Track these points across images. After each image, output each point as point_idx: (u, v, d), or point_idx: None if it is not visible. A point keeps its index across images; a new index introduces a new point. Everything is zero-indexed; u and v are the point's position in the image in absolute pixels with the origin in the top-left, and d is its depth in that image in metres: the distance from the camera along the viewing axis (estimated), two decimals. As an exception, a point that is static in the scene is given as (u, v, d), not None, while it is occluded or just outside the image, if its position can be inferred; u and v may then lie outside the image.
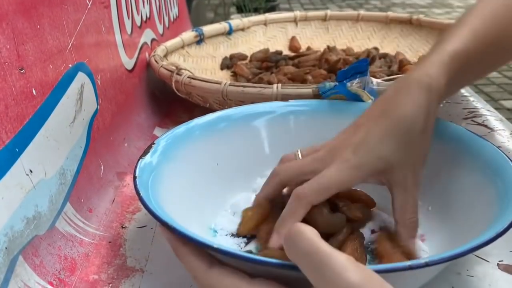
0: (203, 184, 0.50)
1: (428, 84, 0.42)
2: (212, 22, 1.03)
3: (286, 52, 1.03)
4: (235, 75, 0.90)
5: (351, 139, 0.42)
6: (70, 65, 0.50)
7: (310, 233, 0.28)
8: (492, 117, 0.71)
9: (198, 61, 0.94)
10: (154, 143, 0.47)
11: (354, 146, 0.41)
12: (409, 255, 0.41)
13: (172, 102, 0.81)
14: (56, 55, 0.47)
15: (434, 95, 0.42)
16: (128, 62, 0.70)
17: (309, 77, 0.82)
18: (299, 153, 0.46)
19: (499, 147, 0.52)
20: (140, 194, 0.39)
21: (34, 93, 0.43)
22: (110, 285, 0.43)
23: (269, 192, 0.45)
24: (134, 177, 0.41)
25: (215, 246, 0.33)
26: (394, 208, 0.42)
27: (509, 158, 0.43)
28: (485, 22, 0.47)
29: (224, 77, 0.92)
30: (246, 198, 0.52)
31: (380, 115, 0.42)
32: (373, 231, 0.46)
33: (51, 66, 0.46)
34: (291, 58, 0.95)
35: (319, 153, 0.43)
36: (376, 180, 0.43)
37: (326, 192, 0.40)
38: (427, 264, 0.31)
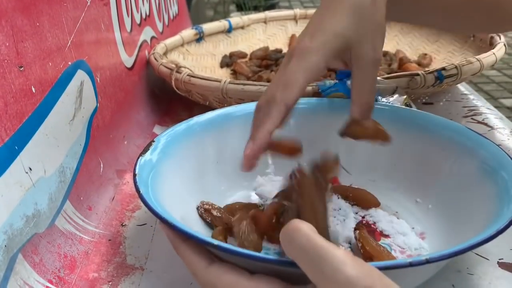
0: (203, 181, 0.50)
1: None
2: (211, 20, 1.03)
3: (286, 50, 1.02)
4: (235, 73, 0.90)
5: (307, 29, 0.42)
6: (70, 63, 0.50)
7: (307, 229, 0.28)
8: (492, 115, 0.71)
9: (198, 59, 0.94)
10: (154, 141, 0.47)
11: (309, 34, 0.41)
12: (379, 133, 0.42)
13: (172, 100, 0.80)
14: (55, 53, 0.47)
15: None
16: (127, 60, 0.70)
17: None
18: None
19: (499, 145, 0.52)
20: (140, 191, 0.39)
21: (34, 90, 0.43)
22: (110, 283, 0.43)
23: (276, 124, 0.42)
24: (134, 175, 0.41)
25: (215, 243, 0.33)
26: (352, 86, 0.42)
27: (509, 156, 0.43)
28: None
29: (223, 75, 0.92)
30: (246, 196, 0.52)
31: (328, 5, 0.42)
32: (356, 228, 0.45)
33: (50, 64, 0.46)
34: (291, 56, 0.95)
35: (284, 60, 0.43)
36: (340, 62, 0.42)
37: (296, 87, 0.40)
38: (427, 261, 0.31)
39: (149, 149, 0.45)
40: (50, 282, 0.40)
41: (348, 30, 0.40)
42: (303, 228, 0.28)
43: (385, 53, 0.92)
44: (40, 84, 0.44)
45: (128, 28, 0.72)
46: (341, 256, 0.26)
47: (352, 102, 0.42)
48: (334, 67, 0.43)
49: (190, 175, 0.48)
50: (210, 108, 0.57)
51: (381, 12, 0.42)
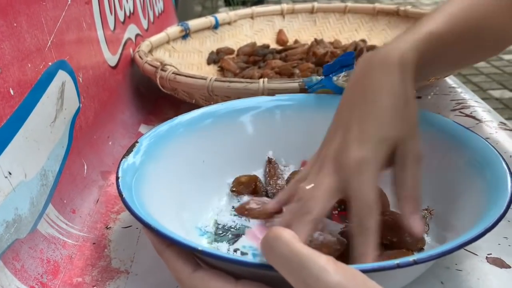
0: (189, 182, 0.49)
1: (399, 60, 0.41)
2: (200, 15, 1.02)
3: (273, 45, 1.02)
4: (222, 70, 0.90)
5: (347, 136, 0.40)
6: (50, 63, 0.49)
7: (287, 236, 0.27)
8: (480, 108, 0.71)
9: (184, 56, 0.93)
10: (137, 142, 0.46)
11: (355, 141, 0.39)
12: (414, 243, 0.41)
13: (158, 99, 0.79)
14: (34, 54, 0.46)
15: (408, 70, 0.41)
16: (111, 59, 0.69)
17: (297, 71, 0.81)
18: (309, 185, 0.40)
19: (487, 138, 0.52)
20: (122, 195, 0.38)
21: (12, 93, 0.41)
22: (94, 287, 0.42)
23: (304, 239, 0.37)
24: (117, 178, 0.41)
25: (199, 248, 0.32)
26: (396, 184, 0.41)
27: (497, 150, 0.43)
28: (463, 9, 0.46)
29: (211, 72, 0.91)
30: (234, 196, 0.51)
31: (362, 101, 0.41)
32: None
33: (29, 65, 0.45)
34: (279, 52, 0.94)
35: (325, 166, 0.40)
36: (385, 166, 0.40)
37: (371, 205, 0.37)
38: (415, 262, 0.31)
39: (132, 152, 0.45)
40: (33, 288, 0.39)
41: (391, 133, 0.39)
42: (284, 235, 0.27)
43: (373, 47, 0.91)
44: (18, 86, 0.43)
45: (112, 26, 0.71)
46: (323, 264, 0.26)
47: (400, 198, 0.41)
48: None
49: (176, 176, 0.48)
50: (197, 106, 0.56)
51: (414, 110, 0.42)
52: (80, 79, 0.56)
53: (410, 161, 0.40)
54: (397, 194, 0.41)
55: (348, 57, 0.54)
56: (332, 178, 0.39)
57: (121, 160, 0.43)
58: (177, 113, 0.53)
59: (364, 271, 0.28)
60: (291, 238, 0.27)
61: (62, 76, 0.51)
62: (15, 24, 0.43)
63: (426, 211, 0.43)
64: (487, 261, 0.43)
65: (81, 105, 0.55)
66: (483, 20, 0.47)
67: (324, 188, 0.38)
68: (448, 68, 0.52)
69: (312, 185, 0.39)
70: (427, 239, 0.43)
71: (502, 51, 0.51)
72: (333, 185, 0.38)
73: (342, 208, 0.49)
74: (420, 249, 0.42)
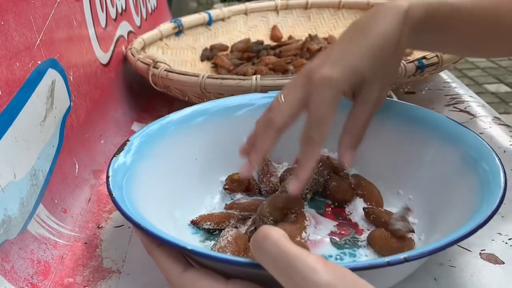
0: (182, 180, 0.48)
1: (405, 9, 0.42)
2: (195, 12, 1.01)
3: (267, 41, 1.01)
4: (216, 67, 0.89)
5: (327, 57, 0.42)
6: (39, 62, 0.48)
7: (276, 235, 0.27)
8: (474, 103, 0.70)
9: (178, 53, 0.92)
10: (128, 141, 0.46)
11: (329, 63, 0.41)
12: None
13: (151, 96, 0.79)
14: (23, 52, 0.46)
15: (408, 21, 0.42)
16: (103, 56, 0.69)
17: (291, 67, 0.80)
18: (281, 96, 0.42)
19: (481, 133, 0.52)
20: (112, 194, 0.38)
21: (0, 92, 0.41)
22: (86, 287, 0.41)
23: (268, 147, 0.42)
24: (107, 177, 0.40)
25: (189, 247, 0.32)
26: (348, 117, 0.43)
27: (490, 146, 0.43)
28: None
29: (204, 69, 0.91)
30: (227, 193, 0.51)
31: (356, 34, 0.42)
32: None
33: (18, 64, 0.44)
34: (273, 48, 0.94)
35: (298, 80, 0.42)
36: (348, 94, 0.43)
37: (326, 123, 0.40)
38: (406, 260, 0.31)
39: (122, 150, 0.44)
40: (23, 289, 0.39)
41: (366, 71, 0.41)
42: (273, 234, 0.27)
43: None
44: (7, 85, 0.42)
45: (103, 23, 0.71)
46: (312, 263, 0.25)
47: (344, 131, 0.43)
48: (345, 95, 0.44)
49: (168, 175, 0.47)
50: (190, 103, 0.56)
51: (398, 63, 0.45)
52: (71, 78, 0.55)
53: (369, 102, 0.42)
54: (344, 127, 0.43)
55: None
56: (299, 91, 0.41)
57: (112, 159, 0.43)
58: (170, 111, 0.52)
59: (354, 269, 0.28)
60: (280, 238, 0.27)
61: (52, 74, 0.51)
62: (2, 23, 0.43)
63: (406, 209, 0.43)
64: (481, 257, 0.43)
65: (72, 103, 0.55)
66: (504, 8, 0.46)
67: (289, 99, 0.41)
68: (461, 48, 0.51)
69: (282, 98, 0.42)
70: (421, 236, 0.43)
71: None
72: (298, 96, 0.41)
73: (335, 205, 0.49)
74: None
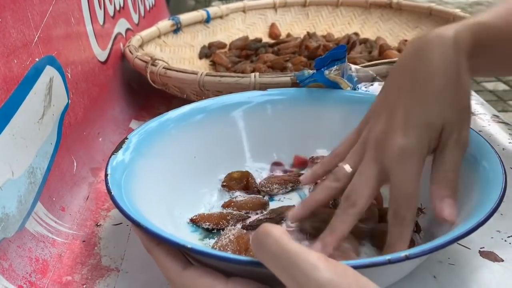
0: (180, 178, 0.48)
1: (453, 37, 0.39)
2: (193, 9, 1.01)
3: (265, 39, 1.01)
4: (214, 64, 0.89)
5: (392, 121, 0.38)
6: (37, 59, 0.48)
7: (277, 232, 0.27)
8: (473, 101, 0.70)
9: (176, 51, 0.92)
10: (126, 139, 0.46)
11: (399, 127, 0.37)
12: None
13: (149, 94, 0.79)
14: (20, 49, 0.45)
15: (461, 48, 0.39)
16: (101, 54, 0.68)
17: (289, 65, 0.80)
18: (346, 166, 0.40)
19: (480, 131, 0.52)
20: (111, 192, 0.38)
21: (-3, 89, 0.41)
22: (84, 286, 0.41)
23: (346, 232, 0.37)
24: (106, 175, 0.40)
25: (188, 245, 0.32)
26: (433, 166, 0.39)
27: (489, 144, 0.43)
28: None
29: (202, 66, 0.90)
30: (225, 191, 0.51)
31: (411, 84, 0.39)
32: None
33: (15, 61, 0.44)
34: (271, 46, 0.94)
35: (368, 154, 0.39)
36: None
37: (410, 196, 0.37)
38: (407, 258, 0.30)
39: (121, 148, 0.44)
40: (20, 287, 0.38)
41: (438, 119, 0.37)
42: (274, 232, 0.27)
43: (365, 40, 0.91)
44: (4, 82, 0.42)
45: (101, 20, 0.70)
46: (313, 261, 0.25)
47: (430, 182, 0.39)
48: None
49: (166, 173, 0.47)
50: (189, 101, 0.56)
51: (466, 92, 0.39)
52: (69, 75, 0.55)
53: (453, 145, 0.38)
54: (432, 175, 0.39)
55: (340, 50, 0.54)
56: (374, 167, 0.38)
57: (110, 157, 0.43)
58: (169, 108, 0.52)
59: (356, 267, 0.28)
60: (281, 235, 0.27)
61: (50, 72, 0.50)
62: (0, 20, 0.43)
63: (417, 210, 0.42)
64: (480, 255, 0.43)
65: (70, 101, 0.54)
66: None
67: (366, 178, 0.38)
68: (508, 67, 0.48)
69: (350, 168, 0.39)
70: (421, 234, 0.43)
71: None
72: (375, 173, 0.38)
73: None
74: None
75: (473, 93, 0.75)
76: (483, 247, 0.43)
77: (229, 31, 1.02)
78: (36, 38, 0.49)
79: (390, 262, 0.30)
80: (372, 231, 0.42)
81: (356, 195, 0.37)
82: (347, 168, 0.40)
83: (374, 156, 0.38)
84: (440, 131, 0.38)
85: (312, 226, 0.41)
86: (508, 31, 0.43)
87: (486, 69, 0.48)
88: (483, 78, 2.78)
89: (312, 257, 0.25)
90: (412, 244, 0.41)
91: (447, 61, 0.38)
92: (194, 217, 0.46)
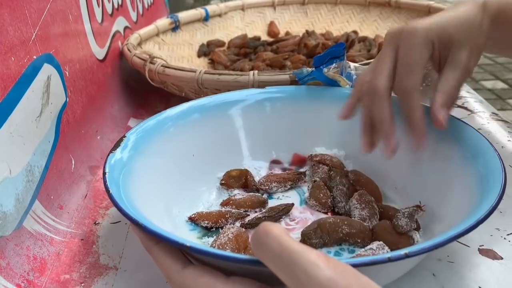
0: (179, 176, 0.48)
1: (483, 5, 0.44)
2: (192, 7, 1.01)
3: (264, 37, 1.01)
4: (213, 63, 0.89)
5: (415, 21, 0.43)
6: (35, 57, 0.48)
7: (277, 231, 0.27)
8: (472, 99, 0.70)
9: (174, 49, 0.92)
10: (124, 137, 0.45)
11: (420, 21, 0.42)
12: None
13: (148, 92, 0.79)
14: (18, 47, 0.45)
15: (486, 11, 0.44)
16: (99, 52, 0.68)
17: (288, 63, 0.80)
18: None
19: (479, 129, 0.51)
20: (109, 191, 0.38)
21: (-5, 87, 0.41)
22: (83, 284, 0.41)
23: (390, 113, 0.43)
24: (104, 173, 0.40)
25: (188, 244, 0.31)
26: (439, 79, 0.43)
27: (489, 141, 0.43)
28: None
29: (201, 64, 0.90)
30: (224, 189, 0.51)
31: (442, 12, 0.44)
32: None
33: (13, 59, 0.44)
34: (270, 44, 0.93)
35: (387, 43, 0.43)
36: (435, 55, 0.43)
37: (418, 69, 0.41)
38: (407, 256, 0.30)
39: (119, 147, 0.44)
40: (19, 286, 0.38)
41: (453, 31, 0.42)
42: (274, 230, 0.27)
43: (364, 38, 0.90)
44: (2, 80, 0.42)
45: (99, 18, 0.70)
46: (314, 259, 0.25)
47: (436, 92, 0.43)
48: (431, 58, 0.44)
49: (165, 171, 0.47)
50: (187, 99, 0.55)
51: (483, 37, 0.44)
52: (67, 73, 0.55)
53: (458, 67, 0.42)
54: (438, 86, 0.43)
55: (338, 48, 0.54)
56: (389, 49, 0.42)
57: (108, 155, 0.43)
58: (167, 107, 0.52)
59: (355, 266, 0.28)
60: (282, 234, 0.27)
61: (47, 69, 0.50)
62: (-3, 17, 0.42)
63: (416, 208, 0.42)
64: (479, 253, 0.43)
65: (68, 99, 0.54)
66: None
67: (381, 61, 0.43)
68: None
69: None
70: (420, 232, 0.43)
71: None
72: (388, 54, 0.43)
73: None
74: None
75: (471, 91, 0.75)
76: (482, 245, 0.43)
77: (228, 29, 1.01)
78: (34, 35, 0.48)
79: (390, 260, 0.30)
80: (373, 229, 0.43)
81: (374, 80, 0.43)
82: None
83: (392, 42, 0.43)
84: (449, 44, 0.42)
85: (318, 241, 0.42)
86: None
87: (503, 40, 0.51)
88: (482, 77, 2.78)
89: (312, 255, 0.25)
90: (411, 242, 0.41)
91: (473, 11, 0.43)
92: (193, 216, 0.46)
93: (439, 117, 0.42)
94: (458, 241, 0.44)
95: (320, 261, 0.25)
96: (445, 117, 0.42)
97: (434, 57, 0.43)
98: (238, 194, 0.49)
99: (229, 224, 0.44)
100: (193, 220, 0.46)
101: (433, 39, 0.41)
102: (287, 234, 0.27)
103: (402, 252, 0.30)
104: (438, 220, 0.42)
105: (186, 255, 0.34)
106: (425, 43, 0.41)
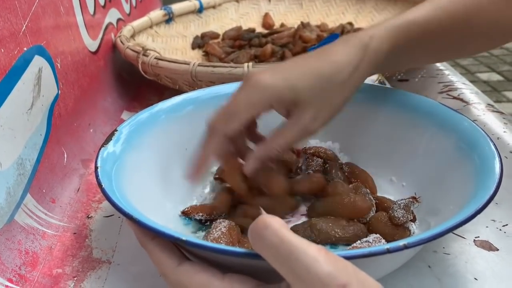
0: (172, 170, 0.48)
1: (366, 44, 0.41)
2: (186, -1, 1.00)
3: (259, 29, 1.00)
4: (207, 55, 0.88)
5: (273, 68, 0.41)
6: (25, 49, 0.47)
7: (276, 224, 0.26)
8: (468, 90, 0.70)
9: (168, 41, 0.91)
10: (116, 131, 0.45)
11: (273, 71, 0.40)
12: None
13: (141, 85, 0.78)
14: (8, 39, 0.44)
15: (368, 56, 0.41)
16: (91, 44, 0.68)
17: (288, 53, 0.80)
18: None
19: (475, 120, 0.51)
20: (102, 185, 0.37)
21: (-16, 79, 0.40)
22: (75, 278, 0.41)
23: (217, 148, 0.41)
24: (96, 168, 0.39)
25: (184, 238, 0.31)
26: (273, 131, 0.41)
27: (485, 132, 0.42)
28: (453, 1, 0.45)
29: (195, 57, 0.90)
30: (218, 183, 0.50)
31: (311, 56, 0.42)
32: None
33: (2, 50, 0.43)
34: (265, 36, 0.93)
35: (241, 85, 0.41)
36: (280, 109, 0.41)
37: (235, 118, 0.39)
38: (406, 247, 0.30)
39: (111, 140, 0.43)
40: (10, 281, 0.38)
41: (303, 89, 0.39)
42: (273, 223, 0.26)
43: (359, 30, 0.90)
44: (-9, 72, 0.41)
45: (91, 10, 0.69)
46: (314, 253, 0.25)
47: (263, 141, 0.42)
48: (276, 110, 0.42)
49: (158, 165, 0.46)
50: (181, 92, 0.55)
51: (344, 96, 0.41)
52: (59, 65, 0.54)
53: (297, 125, 0.40)
54: (266, 139, 0.42)
55: (333, 39, 0.53)
56: (237, 93, 0.40)
57: (100, 149, 0.42)
58: (160, 100, 0.51)
59: (353, 257, 0.28)
60: (280, 227, 0.26)
61: (38, 61, 0.50)
62: (-14, 8, 0.42)
63: (412, 199, 0.42)
64: (475, 244, 0.42)
65: (59, 91, 0.54)
66: (474, 11, 0.45)
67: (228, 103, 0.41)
68: (435, 57, 0.51)
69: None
70: (416, 224, 0.43)
71: (501, 44, 0.48)
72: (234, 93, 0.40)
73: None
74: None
75: (467, 82, 0.74)
76: (478, 237, 0.43)
77: (222, 21, 1.01)
78: (24, 27, 0.48)
79: (389, 251, 0.30)
80: (369, 220, 0.42)
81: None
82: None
83: (240, 86, 0.41)
84: (296, 100, 0.39)
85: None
86: (441, 27, 0.44)
87: (420, 60, 0.50)
88: (478, 69, 2.78)
89: (312, 249, 0.25)
90: (408, 233, 0.41)
91: (347, 59, 0.40)
92: (186, 209, 0.45)
93: (245, 169, 0.41)
94: (454, 233, 0.43)
95: (320, 255, 0.25)
96: (251, 168, 0.41)
97: (280, 111, 0.41)
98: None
99: (221, 218, 0.44)
100: (186, 214, 0.45)
101: (273, 98, 0.39)
102: (286, 227, 0.26)
103: (400, 243, 0.30)
104: (434, 212, 0.41)
105: (182, 250, 0.34)
106: (261, 100, 0.39)
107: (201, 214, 0.45)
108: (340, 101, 0.41)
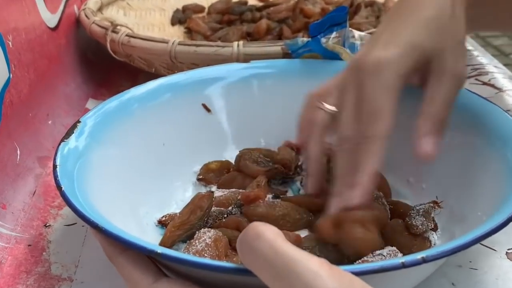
0: (147, 170, 0.48)
1: None
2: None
3: (252, 1, 1.00)
4: (190, 32, 0.88)
5: (375, 41, 0.41)
6: (-31, 24, 0.47)
7: (271, 233, 0.26)
8: (500, 75, 0.71)
9: (143, 15, 0.92)
10: (79, 122, 0.45)
11: (380, 45, 0.40)
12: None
13: (110, 68, 0.79)
14: None
15: None
16: (50, 19, 0.68)
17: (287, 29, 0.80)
18: (325, 105, 0.44)
19: (508, 110, 0.52)
20: (61, 187, 0.37)
21: None
22: (30, 299, 0.41)
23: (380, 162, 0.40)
24: (54, 167, 0.40)
25: (159, 251, 0.31)
26: (423, 99, 0.42)
27: (520, 125, 0.43)
28: None
29: (175, 34, 0.90)
30: (197, 189, 0.51)
31: (404, 11, 0.43)
32: None
33: None
34: (259, 9, 0.93)
35: (345, 78, 0.42)
36: (414, 77, 0.42)
37: (386, 115, 0.39)
38: (424, 260, 0.30)
39: (73, 133, 0.44)
40: (-49, 303, 0.38)
41: (426, 42, 0.41)
42: (267, 233, 0.26)
43: (372, 3, 0.90)
44: None
45: (50, -22, 0.70)
46: (315, 268, 0.25)
47: (420, 114, 0.41)
48: (411, 83, 0.42)
49: (129, 164, 0.47)
50: (157, 76, 0.55)
51: (460, 26, 0.43)
52: (10, 44, 0.55)
53: (446, 77, 0.41)
54: (421, 111, 0.41)
55: (339, 13, 0.53)
56: (350, 90, 0.41)
57: (60, 144, 0.42)
58: (133, 85, 0.52)
59: (363, 273, 0.28)
60: (276, 237, 0.26)
61: (-15, 39, 0.50)
62: None
63: (433, 204, 0.43)
64: (508, 258, 0.43)
65: (11, 75, 0.54)
66: None
67: (344, 105, 0.41)
68: (500, 16, 0.53)
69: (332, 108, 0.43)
70: (438, 233, 0.43)
71: None
72: (350, 97, 0.41)
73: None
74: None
75: (500, 65, 0.75)
76: (511, 249, 0.43)
77: (208, -9, 1.01)
78: (-32, -2, 0.48)
79: (404, 265, 0.30)
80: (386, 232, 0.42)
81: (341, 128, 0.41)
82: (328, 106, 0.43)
83: (350, 79, 0.41)
84: (427, 57, 0.41)
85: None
86: None
87: (483, 19, 0.52)
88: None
89: (313, 263, 0.25)
90: (428, 244, 0.41)
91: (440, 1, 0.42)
92: (163, 218, 0.46)
93: (425, 150, 0.40)
94: (482, 244, 0.44)
95: (322, 270, 0.25)
96: (433, 148, 0.40)
97: (413, 80, 0.42)
98: (218, 191, 0.49)
99: (204, 228, 0.44)
100: (164, 224, 0.45)
101: (405, 70, 0.40)
102: (282, 237, 0.27)
103: (418, 256, 0.30)
104: (459, 219, 0.42)
105: (158, 265, 0.34)
106: (395, 81, 0.39)
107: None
108: (461, 35, 0.43)
